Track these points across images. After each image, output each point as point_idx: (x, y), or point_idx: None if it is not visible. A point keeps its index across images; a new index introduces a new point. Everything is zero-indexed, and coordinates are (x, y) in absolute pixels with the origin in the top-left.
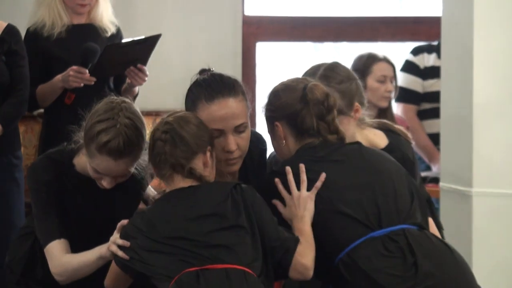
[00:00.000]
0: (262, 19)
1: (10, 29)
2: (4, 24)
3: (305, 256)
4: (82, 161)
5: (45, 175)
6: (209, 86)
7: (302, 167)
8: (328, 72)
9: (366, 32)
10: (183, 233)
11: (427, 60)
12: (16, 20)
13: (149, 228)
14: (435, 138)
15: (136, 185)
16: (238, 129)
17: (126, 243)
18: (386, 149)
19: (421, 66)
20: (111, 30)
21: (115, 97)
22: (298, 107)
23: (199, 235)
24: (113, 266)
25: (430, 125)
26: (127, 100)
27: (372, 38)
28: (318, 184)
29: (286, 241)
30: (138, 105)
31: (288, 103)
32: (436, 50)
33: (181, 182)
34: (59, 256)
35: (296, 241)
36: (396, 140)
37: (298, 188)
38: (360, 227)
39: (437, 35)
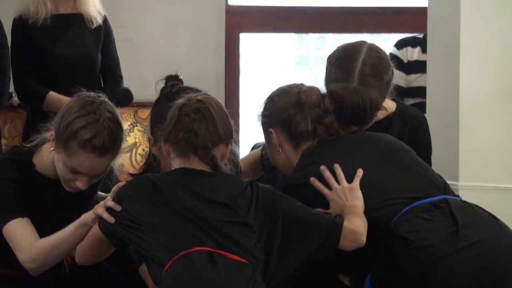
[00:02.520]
0: (245, 9)
1: None
2: None
3: (354, 222)
4: (43, 161)
5: (12, 172)
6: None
7: (336, 166)
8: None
9: (350, 23)
10: (196, 210)
11: (411, 54)
12: (3, 12)
13: (154, 193)
14: None
15: (94, 190)
16: None
17: (118, 207)
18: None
19: (405, 60)
20: (97, 21)
21: (88, 93)
22: (292, 112)
23: (212, 220)
24: (92, 232)
25: None
26: (101, 94)
27: (356, 29)
28: (359, 173)
29: (329, 219)
30: None
31: (283, 108)
32: (421, 43)
33: (197, 165)
34: (29, 237)
35: (341, 217)
36: (404, 106)
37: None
38: (402, 201)
39: (423, 27)
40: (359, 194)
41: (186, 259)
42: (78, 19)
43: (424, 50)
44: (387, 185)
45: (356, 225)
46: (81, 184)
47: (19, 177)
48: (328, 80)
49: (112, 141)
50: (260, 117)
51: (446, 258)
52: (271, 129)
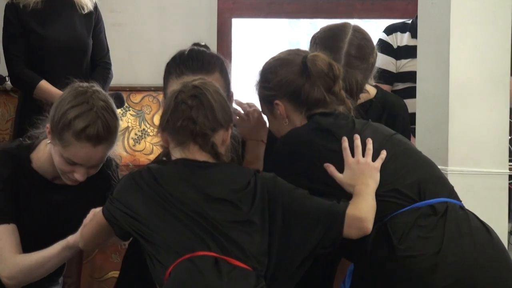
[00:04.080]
0: None
1: None
2: None
3: (360, 208)
4: (39, 157)
5: (4, 169)
6: (182, 62)
7: (369, 140)
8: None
9: (341, 8)
10: (200, 209)
11: (400, 39)
12: None
13: (156, 188)
14: (409, 118)
15: (94, 188)
16: None
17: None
18: (375, 98)
19: (394, 45)
20: (88, 7)
21: (81, 83)
22: (300, 82)
23: (216, 221)
24: (97, 219)
25: None
26: (94, 83)
27: (348, 15)
28: (383, 155)
29: (331, 208)
30: (112, 81)
31: (288, 79)
32: (410, 29)
33: (197, 154)
34: (10, 250)
35: (345, 202)
36: (384, 92)
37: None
38: (401, 197)
39: (413, 12)
40: (377, 176)
41: (191, 263)
42: (69, 4)
43: (413, 36)
44: (393, 175)
45: (362, 211)
46: (78, 175)
47: (12, 174)
48: None
49: (106, 130)
50: (261, 90)
51: (424, 273)
52: (277, 101)
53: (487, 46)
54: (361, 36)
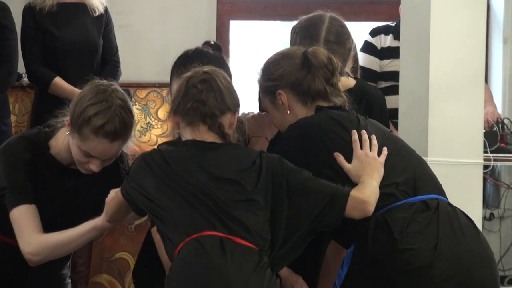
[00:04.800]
0: None
1: None
2: None
3: (363, 192)
4: (58, 144)
5: (26, 154)
6: (183, 62)
7: (374, 136)
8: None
9: (330, 11)
10: (206, 189)
11: (384, 41)
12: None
13: (165, 169)
14: (390, 113)
15: (107, 176)
16: None
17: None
18: (354, 87)
19: (378, 46)
20: (99, 10)
21: (101, 80)
22: (302, 73)
23: (222, 201)
24: (118, 195)
25: (386, 102)
26: (113, 82)
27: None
28: (385, 152)
29: (336, 190)
30: (120, 78)
31: (291, 70)
32: (393, 31)
33: (205, 134)
34: (34, 229)
35: (349, 187)
36: (363, 83)
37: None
38: (398, 192)
39: (398, 15)
40: (382, 170)
41: (197, 243)
42: (82, 8)
43: (396, 37)
44: (392, 170)
45: (365, 195)
46: (94, 166)
47: (32, 159)
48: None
49: (123, 127)
50: (264, 82)
51: (421, 269)
52: (279, 91)
53: (464, 47)
54: (338, 23)
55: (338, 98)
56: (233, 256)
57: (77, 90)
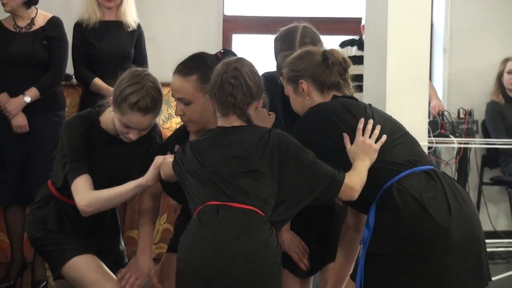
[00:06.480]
0: (237, 17)
1: (51, 20)
2: (49, 16)
3: (354, 180)
4: (106, 119)
5: (81, 127)
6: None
7: (371, 121)
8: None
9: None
10: (218, 168)
11: (350, 51)
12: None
13: (194, 155)
14: None
15: (143, 145)
16: (181, 101)
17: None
18: None
19: (346, 55)
20: (132, 26)
21: (136, 67)
22: (321, 67)
23: (228, 175)
24: (169, 164)
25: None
26: (146, 69)
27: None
28: (383, 139)
29: (334, 176)
30: None
31: (312, 64)
32: (357, 44)
33: (235, 121)
34: (87, 189)
35: (343, 174)
36: None
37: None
38: (405, 163)
39: (360, 31)
40: (374, 156)
41: (201, 213)
42: (119, 25)
43: (359, 48)
44: (392, 147)
45: (354, 183)
46: (132, 135)
47: (86, 131)
48: (276, 53)
49: (153, 103)
50: (289, 72)
51: (441, 229)
52: (302, 80)
53: (413, 55)
54: (310, 29)
55: (349, 89)
56: (225, 217)
57: (112, 88)
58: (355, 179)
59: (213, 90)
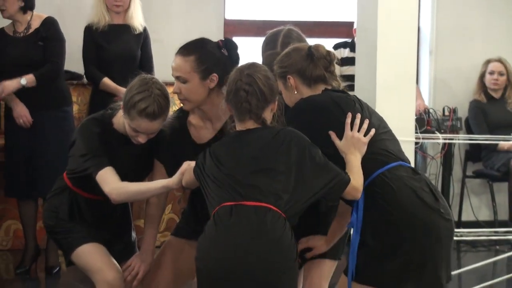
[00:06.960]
0: (238, 21)
1: (45, 20)
2: (44, 16)
3: (358, 181)
4: (118, 121)
5: (95, 128)
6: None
7: (358, 115)
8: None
9: (307, 31)
10: (234, 170)
11: (343, 53)
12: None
13: (213, 160)
14: None
15: (151, 144)
16: (178, 79)
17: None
18: None
19: (339, 57)
20: (139, 29)
21: (145, 75)
22: (306, 62)
23: (242, 176)
24: (190, 166)
25: None
26: (154, 76)
27: (311, 35)
28: (372, 133)
29: (341, 176)
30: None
31: (298, 60)
32: (350, 46)
33: (250, 125)
34: (116, 180)
35: (347, 175)
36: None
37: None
38: (392, 155)
39: (352, 34)
40: (364, 149)
41: (216, 215)
42: (126, 28)
43: (351, 50)
44: (380, 140)
45: (358, 184)
46: (141, 139)
47: (101, 131)
48: (262, 52)
49: (160, 110)
50: (278, 69)
51: (435, 220)
52: (289, 76)
53: (400, 57)
54: (294, 31)
55: (335, 82)
56: (238, 216)
57: (119, 87)
58: (358, 180)
59: (229, 96)
